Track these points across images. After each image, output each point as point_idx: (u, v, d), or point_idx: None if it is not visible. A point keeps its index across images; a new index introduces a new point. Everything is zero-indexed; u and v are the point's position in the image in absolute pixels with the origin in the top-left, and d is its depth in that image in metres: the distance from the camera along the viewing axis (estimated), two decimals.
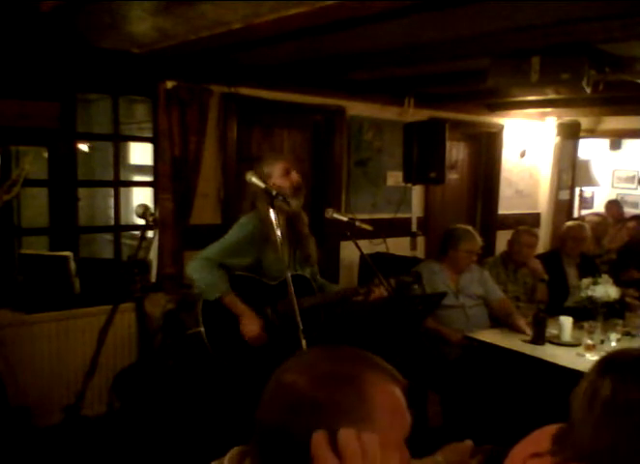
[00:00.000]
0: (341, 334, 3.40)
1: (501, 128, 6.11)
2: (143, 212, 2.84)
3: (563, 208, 6.80)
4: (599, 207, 8.08)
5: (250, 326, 2.75)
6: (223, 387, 3.06)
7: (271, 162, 2.92)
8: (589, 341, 3.21)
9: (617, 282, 3.61)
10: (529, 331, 3.47)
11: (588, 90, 3.09)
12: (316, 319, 2.87)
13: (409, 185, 4.97)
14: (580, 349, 3.23)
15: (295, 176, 2.89)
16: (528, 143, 6.40)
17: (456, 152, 5.96)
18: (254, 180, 2.59)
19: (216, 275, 2.75)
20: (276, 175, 2.86)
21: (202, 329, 2.73)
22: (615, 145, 8.42)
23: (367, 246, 3.45)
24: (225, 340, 2.77)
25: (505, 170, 6.24)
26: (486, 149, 6.18)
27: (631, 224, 6.27)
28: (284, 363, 1.00)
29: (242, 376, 2.81)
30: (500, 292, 3.92)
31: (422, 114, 5.20)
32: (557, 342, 3.35)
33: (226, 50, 3.44)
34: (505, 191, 6.29)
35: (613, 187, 8.58)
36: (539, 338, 3.33)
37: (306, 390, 0.91)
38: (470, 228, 3.92)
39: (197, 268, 2.78)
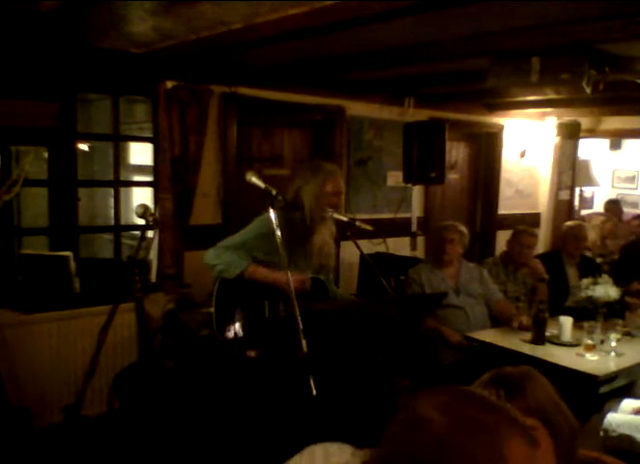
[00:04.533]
0: (342, 335, 3.40)
1: (501, 128, 6.11)
2: (143, 212, 2.84)
3: (563, 208, 6.80)
4: (600, 207, 8.09)
5: (288, 281, 2.67)
6: (223, 387, 3.06)
7: (326, 176, 2.87)
8: (589, 341, 3.21)
9: (617, 282, 3.61)
10: (524, 320, 3.50)
11: (588, 90, 3.09)
12: (324, 325, 2.86)
13: (409, 185, 4.97)
14: (580, 349, 3.23)
15: (338, 200, 2.88)
16: (528, 143, 6.40)
17: (456, 152, 5.95)
18: (254, 180, 2.58)
19: (235, 254, 2.77)
20: (327, 190, 2.85)
21: (213, 309, 2.74)
22: (615, 145, 8.42)
23: (367, 246, 3.44)
24: (232, 328, 2.77)
25: (505, 170, 6.24)
26: (486, 149, 6.17)
27: (636, 222, 6.29)
28: (420, 394, 0.97)
29: (244, 365, 2.82)
30: (499, 294, 3.92)
31: (422, 114, 5.20)
32: (557, 342, 3.35)
33: (226, 50, 3.44)
34: (505, 191, 6.29)
35: (613, 187, 8.59)
36: (539, 338, 3.33)
37: (442, 430, 0.88)
38: (449, 222, 3.99)
39: (215, 254, 2.80)
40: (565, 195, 6.82)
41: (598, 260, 4.75)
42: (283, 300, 2.83)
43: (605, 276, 3.59)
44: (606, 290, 3.47)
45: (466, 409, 0.90)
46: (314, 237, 2.90)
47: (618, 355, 3.19)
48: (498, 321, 3.82)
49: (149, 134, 4.18)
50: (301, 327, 2.34)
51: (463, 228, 3.94)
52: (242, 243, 2.83)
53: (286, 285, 2.67)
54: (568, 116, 6.40)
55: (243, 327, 2.79)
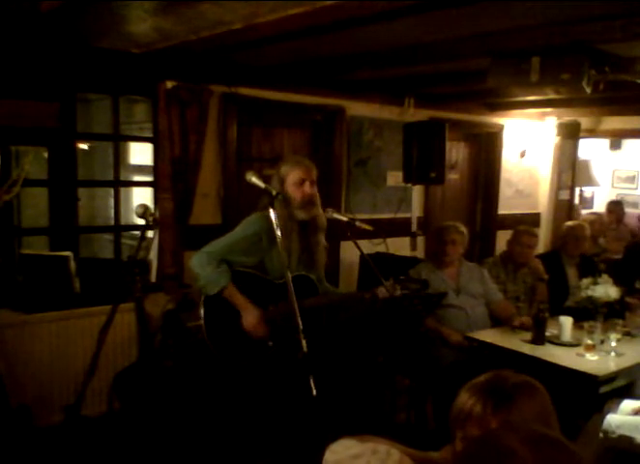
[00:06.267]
0: (342, 335, 3.40)
1: (501, 128, 6.10)
2: (143, 212, 2.84)
3: (563, 208, 6.80)
4: (599, 207, 8.09)
5: (251, 319, 2.76)
6: (223, 386, 3.06)
7: (290, 166, 2.88)
8: (589, 341, 3.21)
9: (620, 282, 3.61)
10: (525, 321, 3.51)
11: (588, 90, 3.09)
12: (318, 321, 2.86)
13: (409, 185, 4.97)
14: (580, 349, 3.23)
15: (308, 189, 2.85)
16: (528, 143, 6.40)
17: (456, 152, 5.95)
18: (254, 180, 2.58)
19: (217, 271, 2.76)
20: (290, 181, 2.85)
21: (202, 322, 2.74)
22: (615, 145, 8.42)
23: (367, 246, 3.45)
24: (225, 336, 2.78)
25: (505, 170, 6.24)
26: (486, 149, 6.17)
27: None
28: (503, 425, 1.01)
29: (240, 372, 2.82)
30: (499, 294, 3.92)
31: (422, 114, 5.20)
32: (557, 342, 3.35)
33: (226, 50, 3.44)
34: (505, 191, 6.29)
35: (613, 187, 8.59)
36: (539, 338, 3.33)
37: (525, 461, 0.90)
38: (450, 222, 3.97)
39: (199, 262, 2.79)
40: (565, 195, 6.82)
41: (594, 259, 4.75)
42: (272, 302, 2.83)
43: (605, 276, 3.59)
44: (606, 290, 3.47)
45: (549, 449, 0.92)
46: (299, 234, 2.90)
47: (618, 355, 3.18)
48: (498, 321, 3.82)
49: (149, 134, 4.18)
50: (300, 327, 2.33)
51: (464, 228, 3.94)
52: (228, 247, 2.81)
53: (246, 320, 2.74)
54: (568, 116, 6.40)
55: (234, 333, 2.78)
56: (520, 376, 1.36)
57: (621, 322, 3.43)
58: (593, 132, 6.97)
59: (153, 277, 4.03)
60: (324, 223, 2.98)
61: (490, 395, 1.29)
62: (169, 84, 3.86)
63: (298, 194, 2.84)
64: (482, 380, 1.35)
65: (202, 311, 2.78)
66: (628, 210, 7.64)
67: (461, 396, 1.34)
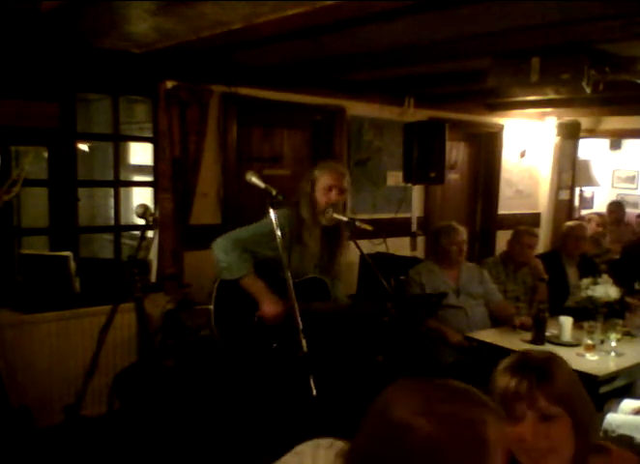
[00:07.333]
0: (342, 335, 3.40)
1: (501, 128, 6.10)
2: (143, 212, 2.84)
3: (563, 208, 6.80)
4: (599, 207, 8.09)
5: (271, 306, 2.76)
6: (223, 386, 3.06)
7: (322, 170, 2.91)
8: (589, 341, 3.21)
9: (619, 282, 3.61)
10: (525, 320, 3.51)
11: (588, 90, 3.09)
12: (323, 326, 2.86)
13: (409, 185, 4.97)
14: (580, 349, 3.23)
15: (333, 196, 2.86)
16: (528, 143, 6.40)
17: (456, 152, 5.95)
18: (254, 180, 2.59)
19: (241, 257, 2.78)
20: (319, 186, 2.88)
21: (212, 307, 2.76)
22: (615, 145, 8.41)
23: (367, 246, 3.44)
24: (231, 325, 2.79)
25: (505, 170, 6.24)
26: (486, 149, 6.17)
27: (638, 220, 6.32)
28: (387, 396, 0.93)
29: (241, 366, 2.82)
30: (499, 294, 3.92)
31: (422, 114, 5.21)
32: (557, 342, 3.35)
33: (226, 50, 3.45)
34: (505, 191, 6.29)
35: (613, 187, 8.58)
36: (539, 338, 3.33)
37: (425, 432, 0.85)
38: (450, 222, 3.95)
39: (223, 247, 2.81)
40: (565, 195, 6.82)
41: (596, 260, 4.75)
42: (283, 298, 2.83)
43: (605, 276, 3.59)
44: (606, 290, 3.47)
45: (444, 407, 0.89)
46: (318, 238, 2.90)
47: (618, 355, 3.19)
48: (498, 321, 3.82)
49: (149, 134, 4.18)
50: (301, 327, 2.33)
51: (462, 228, 3.94)
52: (252, 238, 2.84)
53: (263, 308, 2.76)
54: (568, 116, 6.40)
55: (241, 325, 2.80)
56: (542, 351, 1.42)
57: (621, 322, 3.43)
58: (593, 132, 6.97)
59: (153, 277, 4.03)
60: (346, 231, 2.99)
61: (529, 372, 1.32)
62: (169, 84, 3.86)
63: (323, 200, 2.86)
64: (514, 360, 1.38)
65: (214, 296, 2.79)
66: (628, 210, 7.63)
67: (499, 379, 1.34)
